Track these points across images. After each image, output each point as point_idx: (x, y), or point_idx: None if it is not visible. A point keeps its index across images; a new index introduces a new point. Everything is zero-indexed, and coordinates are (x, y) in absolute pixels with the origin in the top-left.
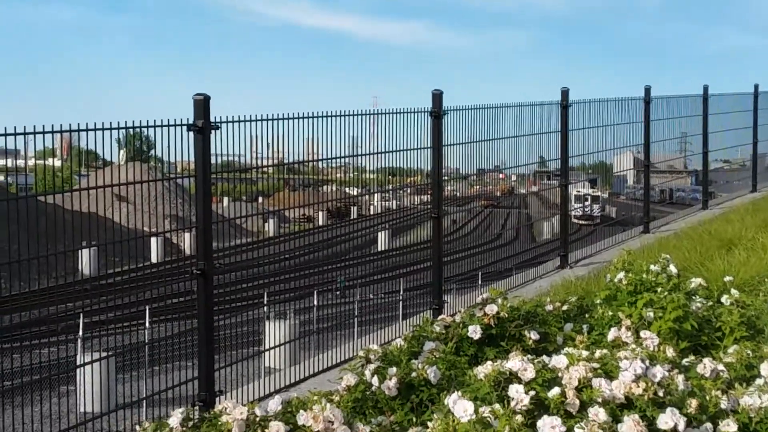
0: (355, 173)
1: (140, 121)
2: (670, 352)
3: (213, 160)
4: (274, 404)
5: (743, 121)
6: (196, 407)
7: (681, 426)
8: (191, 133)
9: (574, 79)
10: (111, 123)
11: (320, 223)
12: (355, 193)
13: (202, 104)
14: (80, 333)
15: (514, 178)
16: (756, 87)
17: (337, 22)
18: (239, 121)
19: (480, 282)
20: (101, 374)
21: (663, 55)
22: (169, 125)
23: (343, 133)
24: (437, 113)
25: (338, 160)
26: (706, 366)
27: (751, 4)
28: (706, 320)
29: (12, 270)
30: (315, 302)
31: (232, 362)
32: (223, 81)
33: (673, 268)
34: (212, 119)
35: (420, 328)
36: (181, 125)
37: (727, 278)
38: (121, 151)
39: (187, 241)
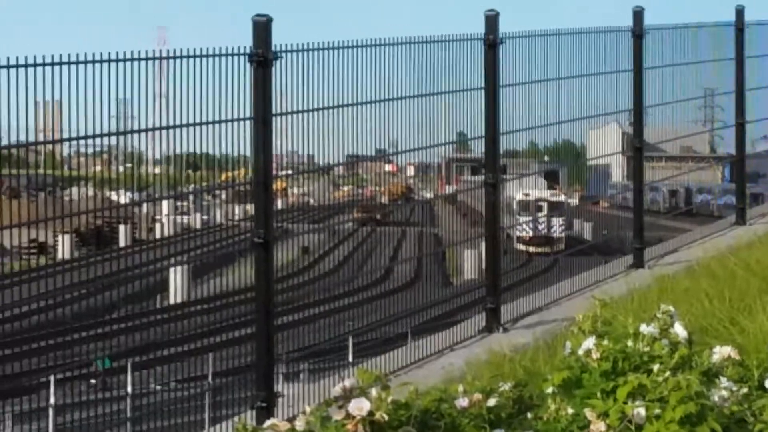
0: (128, 165)
1: None
2: None
3: None
4: None
5: None
6: None
7: None
8: None
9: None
10: None
11: (63, 254)
12: (127, 201)
13: None
14: None
15: (412, 171)
16: None
17: None
18: None
19: (351, 357)
20: None
21: None
22: None
23: (104, 92)
24: (261, 57)
25: (96, 140)
26: None
27: None
28: (737, 421)
29: None
30: (52, 399)
31: None
32: None
33: (680, 330)
34: None
35: None
36: None
37: None
38: None
39: None
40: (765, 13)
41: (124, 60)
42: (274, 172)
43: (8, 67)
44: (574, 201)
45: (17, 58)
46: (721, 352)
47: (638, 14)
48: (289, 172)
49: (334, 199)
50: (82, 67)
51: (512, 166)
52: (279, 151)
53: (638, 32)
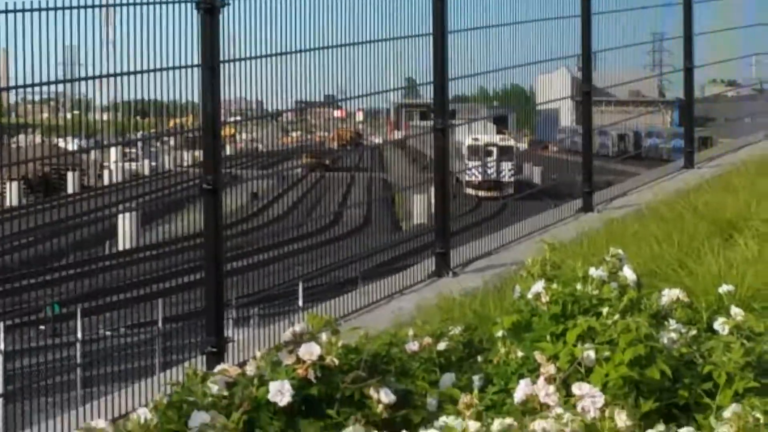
0: (75, 112)
1: None
2: (623, 421)
3: None
4: None
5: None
6: None
7: None
8: None
9: None
10: None
11: (10, 202)
12: (75, 148)
13: None
14: None
15: (361, 116)
16: None
17: None
18: None
19: (301, 302)
20: None
21: None
22: None
23: (51, 39)
24: (209, 4)
25: (43, 88)
26: None
27: None
28: (686, 362)
29: None
30: (2, 345)
31: None
32: None
33: (629, 273)
34: None
35: (183, 389)
36: None
37: (724, 288)
38: None
39: None
40: None
41: (71, 8)
42: (222, 118)
43: None
44: (523, 145)
45: None
46: (670, 294)
47: None
48: (238, 118)
49: (283, 145)
50: (28, 14)
51: (461, 111)
52: (227, 98)
53: None
